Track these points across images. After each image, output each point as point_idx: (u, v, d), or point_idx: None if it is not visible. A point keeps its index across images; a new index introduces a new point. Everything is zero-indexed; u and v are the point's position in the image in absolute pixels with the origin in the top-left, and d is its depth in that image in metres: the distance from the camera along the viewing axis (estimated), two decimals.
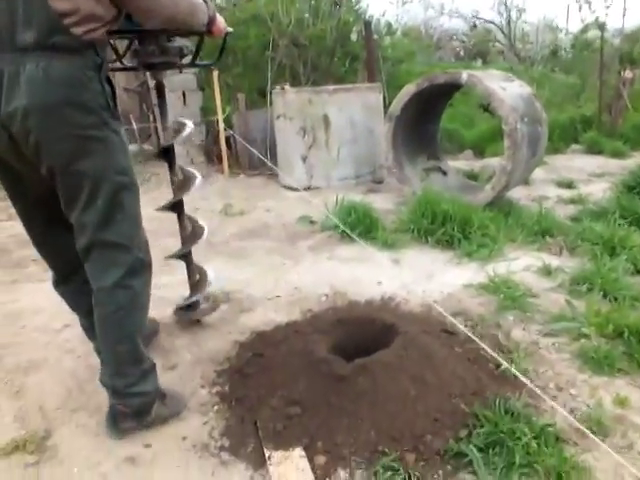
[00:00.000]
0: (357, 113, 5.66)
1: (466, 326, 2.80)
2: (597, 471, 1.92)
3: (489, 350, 2.18)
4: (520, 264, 3.55)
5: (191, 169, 2.64)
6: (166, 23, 1.98)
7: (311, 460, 1.92)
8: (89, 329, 2.23)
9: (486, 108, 7.88)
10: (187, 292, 2.82)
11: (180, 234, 2.69)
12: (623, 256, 3.46)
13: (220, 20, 2.18)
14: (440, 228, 3.97)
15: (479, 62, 15.97)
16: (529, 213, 4.43)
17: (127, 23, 2.02)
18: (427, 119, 5.40)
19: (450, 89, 5.32)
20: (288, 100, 5.58)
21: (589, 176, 6.31)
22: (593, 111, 8.86)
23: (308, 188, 5.67)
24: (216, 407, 2.23)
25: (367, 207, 4.24)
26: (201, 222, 2.71)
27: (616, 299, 3.01)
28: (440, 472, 1.93)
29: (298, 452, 1.96)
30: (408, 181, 5.02)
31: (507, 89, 4.59)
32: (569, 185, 5.77)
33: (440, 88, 4.87)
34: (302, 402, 2.13)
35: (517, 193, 5.35)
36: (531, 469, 1.91)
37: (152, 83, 2.52)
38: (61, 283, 2.22)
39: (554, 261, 3.54)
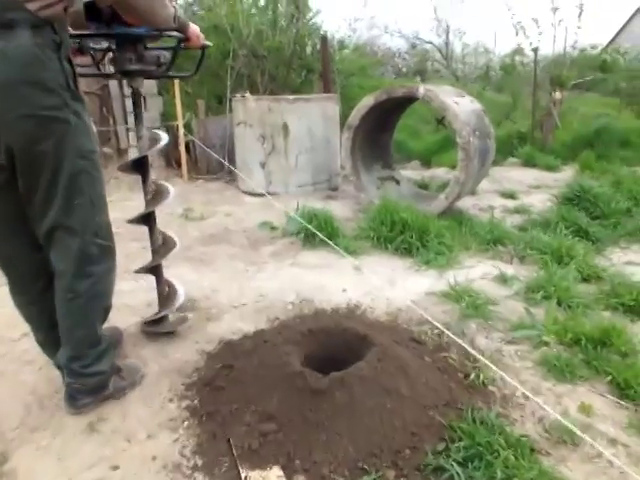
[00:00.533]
0: (315, 122, 5.50)
1: (432, 334, 2.68)
2: None
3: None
4: (477, 272, 3.47)
5: (164, 182, 2.41)
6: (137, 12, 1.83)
7: None
8: (45, 344, 1.99)
9: (440, 121, 7.87)
10: (151, 298, 2.57)
11: (151, 246, 2.45)
12: (572, 265, 3.44)
13: (196, 29, 2.09)
14: (399, 236, 3.86)
15: (418, 79, 16.17)
16: (480, 222, 4.38)
17: (106, 27, 1.89)
18: (382, 129, 5.30)
19: (405, 102, 5.23)
20: (249, 108, 5.35)
21: (528, 187, 6.37)
22: (527, 128, 9.04)
23: (266, 194, 5.45)
24: (186, 422, 2.00)
25: (328, 214, 4.08)
26: (172, 234, 2.48)
27: (570, 307, 2.96)
28: None
29: (276, 472, 1.77)
30: (365, 189, 4.89)
31: (460, 104, 4.53)
32: (512, 196, 5.79)
33: (396, 101, 4.77)
34: (277, 417, 1.93)
35: (466, 203, 5.31)
36: None
37: (127, 90, 2.31)
38: (17, 293, 1.96)
39: (508, 269, 3.48)
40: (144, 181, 2.33)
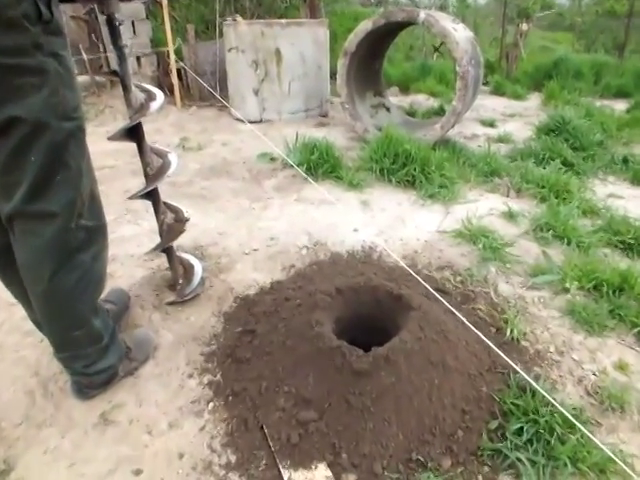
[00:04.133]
0: (307, 48, 4.61)
1: (456, 281, 2.17)
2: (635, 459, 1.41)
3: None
4: (482, 207, 2.92)
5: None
6: None
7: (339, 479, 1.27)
8: (41, 325, 1.38)
9: (437, 48, 6.89)
10: (156, 242, 1.94)
11: (143, 169, 1.72)
12: (575, 202, 2.92)
13: None
14: (402, 168, 3.24)
15: (381, 9, 14.62)
16: (474, 153, 3.77)
17: None
18: (374, 56, 4.47)
19: (397, 29, 4.38)
20: (240, 33, 4.40)
21: (502, 115, 5.71)
22: (495, 57, 8.17)
23: (260, 121, 4.67)
24: (211, 404, 1.49)
25: (328, 145, 3.40)
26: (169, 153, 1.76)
27: (579, 247, 2.48)
28: (480, 477, 1.35)
29: (323, 471, 1.30)
30: (359, 117, 4.17)
31: (457, 31, 3.75)
32: (491, 124, 5.14)
33: (390, 26, 3.93)
34: (315, 402, 1.43)
35: (451, 130, 4.65)
36: (576, 469, 1.36)
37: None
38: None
39: (511, 204, 2.95)
40: (140, 150, 1.61)
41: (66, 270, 1.17)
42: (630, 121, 5.02)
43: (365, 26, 3.75)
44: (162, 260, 2.08)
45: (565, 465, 1.36)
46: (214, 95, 3.99)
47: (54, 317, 1.22)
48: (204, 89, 5.00)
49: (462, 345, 1.67)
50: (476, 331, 1.48)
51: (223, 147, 3.97)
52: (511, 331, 1.87)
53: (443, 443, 1.41)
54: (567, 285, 2.15)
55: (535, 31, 10.39)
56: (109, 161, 3.33)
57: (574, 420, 1.26)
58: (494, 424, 1.49)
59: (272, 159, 3.56)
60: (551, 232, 2.57)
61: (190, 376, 1.58)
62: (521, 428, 1.45)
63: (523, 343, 1.87)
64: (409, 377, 1.46)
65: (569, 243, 2.50)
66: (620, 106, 6.40)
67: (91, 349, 1.33)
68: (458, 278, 2.19)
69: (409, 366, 1.48)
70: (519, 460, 1.38)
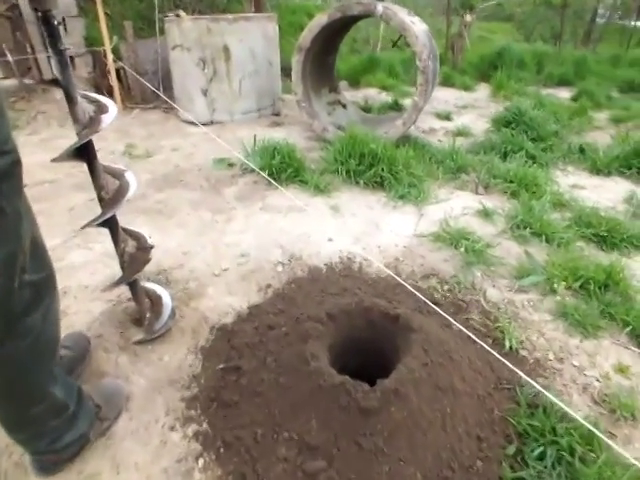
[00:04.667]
0: (257, 44, 4.40)
1: (444, 290, 2.08)
2: None
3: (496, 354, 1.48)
4: (455, 207, 2.87)
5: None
6: None
7: None
8: None
9: (395, 43, 6.80)
10: (112, 271, 1.72)
11: (96, 192, 1.48)
12: (546, 196, 2.92)
13: None
14: (369, 169, 3.13)
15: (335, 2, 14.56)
16: (440, 149, 3.71)
17: None
18: (328, 52, 4.34)
19: (351, 22, 4.26)
20: (185, 29, 4.12)
21: (455, 107, 5.74)
22: (441, 49, 8.25)
23: (211, 123, 4.42)
24: (201, 461, 1.31)
25: (290, 147, 3.23)
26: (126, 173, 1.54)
27: (559, 245, 2.46)
28: None
29: None
30: (317, 116, 4.02)
31: (415, 24, 3.68)
32: (447, 117, 5.15)
33: (345, 20, 3.81)
34: (321, 448, 1.28)
35: None
36: None
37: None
38: None
39: (484, 202, 2.91)
40: (92, 172, 1.38)
41: (13, 339, 0.94)
42: (579, 110, 5.18)
43: (320, 21, 3.60)
44: (122, 289, 1.85)
45: None
46: (159, 96, 3.70)
47: (6, 395, 0.99)
48: (147, 90, 4.68)
49: (466, 364, 1.58)
50: (489, 349, 1.39)
51: (174, 153, 3.70)
52: (509, 341, 1.81)
53: (463, 477, 1.30)
54: (555, 286, 2.11)
55: (480, 22, 10.63)
56: (48, 175, 3.00)
57: (604, 438, 1.18)
58: (512, 449, 1.40)
59: (230, 164, 3.34)
60: (528, 230, 2.55)
61: (172, 428, 1.38)
62: (542, 452, 1.37)
63: (522, 352, 1.80)
64: (420, 409, 1.34)
65: (547, 240, 2.49)
66: (564, 94, 6.64)
67: (56, 422, 1.11)
68: (445, 286, 2.10)
69: (419, 397, 1.36)
70: None
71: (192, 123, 4.30)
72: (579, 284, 2.09)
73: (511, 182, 3.15)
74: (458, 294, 2.06)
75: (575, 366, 1.76)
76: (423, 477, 1.27)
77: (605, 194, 3.27)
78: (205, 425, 1.40)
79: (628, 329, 1.90)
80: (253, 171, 3.21)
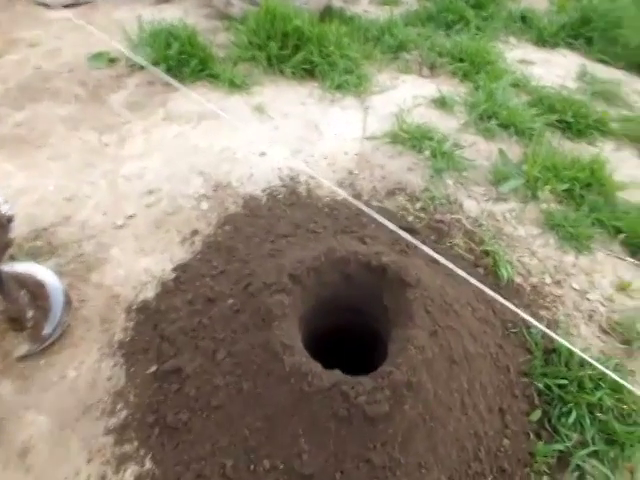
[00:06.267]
0: None
1: (416, 209, 1.73)
2: None
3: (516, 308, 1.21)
4: (404, 95, 2.42)
5: None
6: None
7: None
8: None
9: None
10: None
11: None
12: (507, 77, 2.55)
13: None
14: (295, 53, 2.52)
15: None
16: (375, 22, 3.12)
17: None
18: None
19: None
20: None
21: None
22: None
23: (74, 4, 3.37)
24: None
25: (189, 31, 2.49)
26: None
27: (530, 138, 2.17)
28: None
29: None
30: None
31: None
32: None
33: None
34: (319, 476, 0.95)
35: None
36: None
37: None
38: None
39: (440, 88, 2.49)
40: None
41: None
42: None
43: None
44: None
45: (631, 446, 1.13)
46: None
47: None
48: None
49: (469, 314, 1.29)
50: (492, 293, 1.10)
51: (31, 50, 2.73)
52: (504, 270, 1.54)
53: (493, 465, 1.07)
54: (539, 193, 1.84)
55: None
56: None
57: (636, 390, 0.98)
58: (537, 414, 1.19)
59: (111, 60, 2.53)
60: (494, 121, 2.21)
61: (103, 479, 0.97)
62: (569, 412, 1.17)
63: (516, 280, 1.56)
64: (437, 396, 1.04)
65: (517, 132, 2.18)
66: None
67: None
68: (417, 204, 1.75)
69: (434, 381, 1.05)
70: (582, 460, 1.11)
71: (48, 5, 3.23)
72: (565, 187, 1.84)
73: (461, 60, 2.73)
74: (434, 213, 1.72)
75: (575, 289, 1.56)
76: (449, 479, 1.01)
77: (555, 69, 2.99)
78: (149, 463, 1.00)
79: (621, 237, 1.72)
80: (145, 67, 2.47)
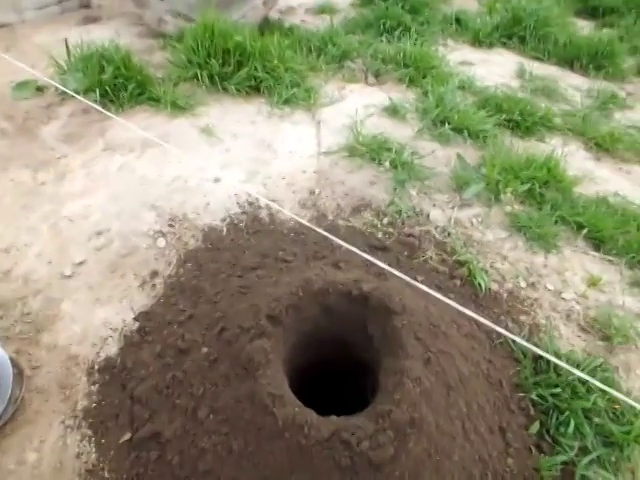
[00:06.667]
0: None
1: (384, 225, 1.69)
2: None
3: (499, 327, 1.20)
4: (355, 106, 2.39)
5: None
6: None
7: None
8: None
9: None
10: None
11: None
12: (453, 80, 2.58)
13: None
14: (238, 69, 2.44)
15: None
16: (315, 33, 3.08)
17: None
18: None
19: None
20: None
21: None
22: None
23: None
24: None
25: (123, 52, 2.35)
26: None
27: (485, 140, 2.19)
28: None
29: None
30: (146, 2, 3.04)
31: None
32: None
33: None
34: None
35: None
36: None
37: None
38: None
39: (379, 94, 2.48)
40: None
41: None
42: None
43: None
44: None
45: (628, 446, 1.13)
46: None
47: None
48: None
49: (456, 333, 1.25)
50: (477, 317, 1.07)
51: None
52: (481, 279, 1.52)
53: None
54: (501, 196, 1.85)
55: None
56: None
57: (624, 397, 0.98)
58: (535, 427, 1.17)
59: (39, 89, 2.35)
60: (447, 125, 2.21)
61: None
62: (567, 420, 1.16)
63: (492, 287, 1.55)
64: (440, 428, 1.00)
65: (470, 135, 2.20)
66: None
67: None
68: (385, 219, 1.71)
69: (435, 412, 1.00)
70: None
71: None
72: (526, 187, 1.86)
73: (406, 66, 2.74)
74: (403, 227, 1.69)
75: (550, 290, 1.57)
76: None
77: (495, 69, 3.07)
78: None
79: (584, 232, 1.75)
80: (76, 93, 2.30)
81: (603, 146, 2.34)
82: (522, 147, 2.20)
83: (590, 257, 1.70)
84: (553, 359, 1.07)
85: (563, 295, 1.55)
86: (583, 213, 1.81)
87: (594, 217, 1.78)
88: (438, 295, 1.09)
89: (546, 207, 1.82)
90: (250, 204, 1.76)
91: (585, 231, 1.75)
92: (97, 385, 1.13)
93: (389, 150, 1.99)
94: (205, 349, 1.13)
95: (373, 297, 1.16)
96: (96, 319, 1.28)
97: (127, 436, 1.03)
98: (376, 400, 1.03)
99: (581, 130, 2.42)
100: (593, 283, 1.59)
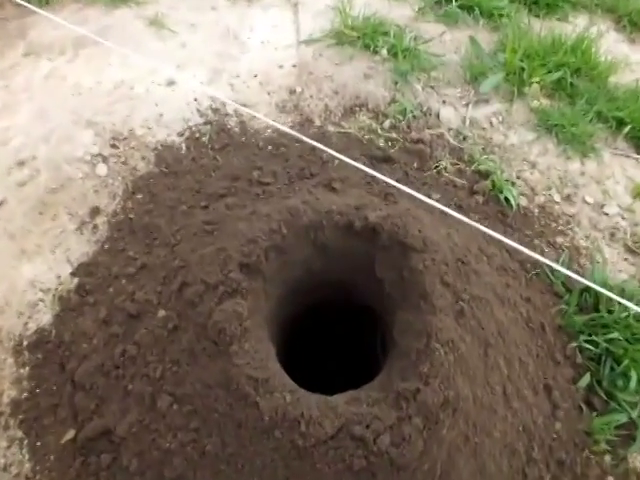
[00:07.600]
0: None
1: (385, 129, 1.37)
2: None
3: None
4: None
5: None
6: None
7: None
8: None
9: None
10: None
11: None
12: None
13: None
14: None
15: None
16: None
17: None
18: None
19: None
20: None
21: None
22: None
23: None
24: None
25: None
26: None
27: (500, 20, 1.78)
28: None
29: None
30: None
31: None
32: None
33: None
34: None
35: None
36: None
37: None
38: None
39: None
40: None
41: None
42: None
43: None
44: None
45: None
46: None
47: None
48: None
49: (487, 266, 0.99)
50: (505, 240, 0.81)
51: None
52: (510, 195, 1.24)
53: (549, 460, 0.86)
54: (525, 88, 1.51)
55: None
56: None
57: None
58: (585, 380, 0.96)
59: None
60: (454, 2, 1.79)
61: None
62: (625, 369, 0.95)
63: (521, 203, 1.27)
64: (477, 401, 0.77)
65: (483, 14, 1.79)
66: None
67: None
68: (386, 122, 1.38)
69: (472, 382, 0.77)
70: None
71: None
72: (556, 77, 1.52)
73: None
74: (409, 131, 1.37)
75: (588, 203, 1.30)
76: None
77: None
78: None
79: (625, 130, 1.44)
80: None
81: (639, 24, 1.95)
82: (542, 28, 1.81)
83: (633, 161, 1.41)
84: (608, 293, 0.83)
85: (605, 209, 1.28)
86: (623, 107, 1.49)
87: (637, 111, 1.47)
88: (465, 219, 0.82)
89: (580, 101, 1.49)
90: (215, 111, 1.41)
91: (627, 129, 1.45)
92: (27, 368, 0.88)
93: (386, 34, 1.60)
94: (162, 312, 0.86)
95: (383, 230, 0.88)
96: (21, 279, 0.99)
97: (70, 434, 0.80)
98: (392, 369, 0.79)
99: (611, 5, 2.01)
100: (638, 192, 1.32)
